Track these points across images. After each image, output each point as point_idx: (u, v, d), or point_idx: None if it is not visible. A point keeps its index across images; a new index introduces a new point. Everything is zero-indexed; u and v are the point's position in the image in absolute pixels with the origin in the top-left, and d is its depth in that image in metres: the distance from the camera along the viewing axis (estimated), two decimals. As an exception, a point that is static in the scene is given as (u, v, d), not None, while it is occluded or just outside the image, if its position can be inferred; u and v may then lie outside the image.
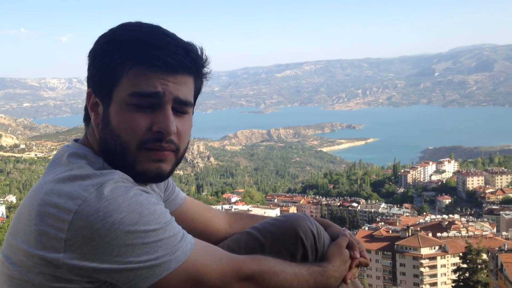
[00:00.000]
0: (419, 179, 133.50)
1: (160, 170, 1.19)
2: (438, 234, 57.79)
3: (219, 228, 1.64)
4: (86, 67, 1.21)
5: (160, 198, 1.44)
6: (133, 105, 1.14)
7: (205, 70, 1.26)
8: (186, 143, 1.24)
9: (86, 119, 1.26)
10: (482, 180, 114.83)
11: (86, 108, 1.24)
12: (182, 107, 1.20)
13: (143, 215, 1.05)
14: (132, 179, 1.16)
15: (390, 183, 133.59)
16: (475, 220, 73.04)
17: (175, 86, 1.16)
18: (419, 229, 59.13)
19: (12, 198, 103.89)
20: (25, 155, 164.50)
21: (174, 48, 1.15)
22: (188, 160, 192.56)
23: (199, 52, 1.22)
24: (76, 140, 1.27)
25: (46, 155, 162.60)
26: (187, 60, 1.17)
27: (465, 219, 70.52)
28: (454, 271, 47.58)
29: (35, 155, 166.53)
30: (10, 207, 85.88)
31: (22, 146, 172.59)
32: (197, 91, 1.26)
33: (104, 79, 1.16)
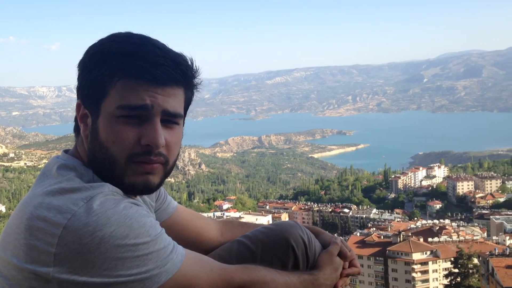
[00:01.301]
0: (409, 185, 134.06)
1: (148, 182, 1.19)
2: (430, 239, 58.01)
3: (210, 237, 1.65)
4: (76, 77, 1.21)
5: (152, 208, 1.45)
6: (121, 118, 1.13)
7: (196, 81, 1.25)
8: (176, 155, 1.24)
9: (76, 129, 1.25)
10: (472, 185, 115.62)
11: (76, 119, 1.23)
12: (172, 119, 1.19)
13: (133, 228, 1.05)
14: (122, 192, 1.15)
15: (381, 188, 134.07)
16: (466, 224, 73.43)
17: (164, 98, 1.15)
18: (410, 234, 59.30)
19: (1, 208, 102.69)
20: (14, 164, 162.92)
21: (163, 60, 1.14)
22: (179, 167, 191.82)
23: (189, 63, 1.21)
24: (66, 151, 1.26)
25: (35, 164, 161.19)
26: (176, 72, 1.16)
27: (456, 224, 70.94)
28: (446, 276, 47.78)
29: (25, 164, 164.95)
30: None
31: (11, 155, 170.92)
32: (187, 102, 1.26)
33: (92, 91, 1.16)
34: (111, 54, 1.14)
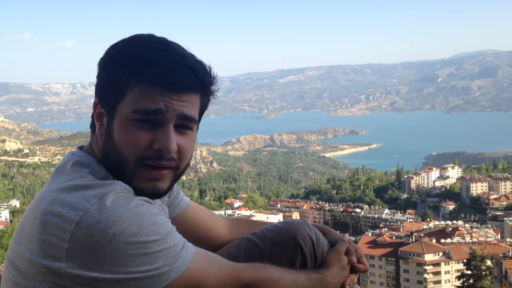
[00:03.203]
0: (422, 185, 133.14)
1: (156, 188, 1.21)
2: (442, 240, 57.56)
3: (219, 233, 1.67)
4: (96, 75, 1.23)
5: (164, 204, 1.48)
6: (135, 122, 1.16)
7: (213, 88, 1.27)
8: (188, 160, 1.25)
9: (93, 126, 1.27)
10: (486, 186, 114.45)
11: (93, 116, 1.26)
12: (186, 123, 1.21)
13: (144, 226, 1.07)
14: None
15: (393, 189, 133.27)
16: (479, 226, 72.85)
17: (179, 103, 1.18)
18: (422, 235, 58.91)
19: (15, 203, 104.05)
20: (28, 160, 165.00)
21: (181, 68, 1.16)
22: (191, 165, 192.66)
23: (208, 70, 1.23)
24: (80, 148, 1.29)
25: (49, 160, 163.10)
26: (193, 80, 1.18)
27: (469, 225, 70.35)
28: (458, 278, 47.38)
29: (39, 159, 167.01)
30: (13, 212, 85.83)
31: (26, 150, 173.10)
32: (203, 108, 1.28)
33: (110, 93, 1.19)
34: (130, 57, 1.16)
